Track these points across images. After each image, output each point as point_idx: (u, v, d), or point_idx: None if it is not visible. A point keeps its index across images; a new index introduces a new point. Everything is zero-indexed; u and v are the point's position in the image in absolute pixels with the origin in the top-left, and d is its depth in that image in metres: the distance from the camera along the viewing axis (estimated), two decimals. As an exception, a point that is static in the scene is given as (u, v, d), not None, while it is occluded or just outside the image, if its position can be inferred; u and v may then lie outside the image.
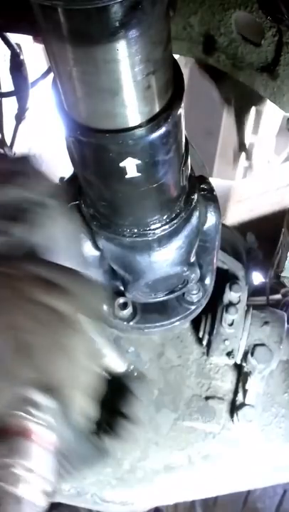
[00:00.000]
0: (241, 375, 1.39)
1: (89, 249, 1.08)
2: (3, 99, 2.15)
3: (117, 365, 0.71)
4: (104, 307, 0.71)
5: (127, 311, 1.18)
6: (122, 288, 1.15)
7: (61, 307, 0.62)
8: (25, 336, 0.60)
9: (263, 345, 1.30)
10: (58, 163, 1.17)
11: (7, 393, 0.58)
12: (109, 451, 0.69)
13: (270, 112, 4.23)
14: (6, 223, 0.68)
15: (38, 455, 0.56)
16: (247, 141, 4.54)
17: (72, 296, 0.64)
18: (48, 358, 0.60)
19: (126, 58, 0.64)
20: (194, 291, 1.20)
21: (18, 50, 1.85)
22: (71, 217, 0.78)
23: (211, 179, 1.14)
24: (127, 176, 0.81)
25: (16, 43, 1.86)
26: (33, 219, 0.70)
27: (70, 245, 0.80)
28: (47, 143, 2.49)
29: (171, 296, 1.16)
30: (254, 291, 2.19)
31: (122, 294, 1.16)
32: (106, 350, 0.70)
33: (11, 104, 2.08)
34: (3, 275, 0.63)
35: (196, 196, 1.00)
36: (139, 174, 0.81)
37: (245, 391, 1.35)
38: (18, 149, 2.24)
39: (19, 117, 2.07)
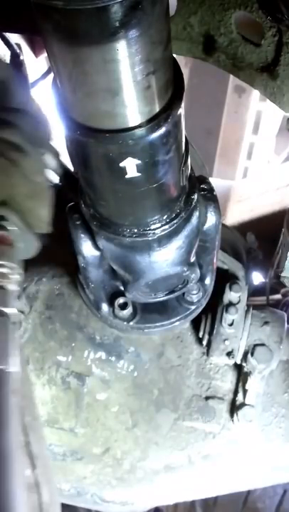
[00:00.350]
0: (241, 375, 1.39)
1: (89, 249, 1.08)
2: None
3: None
4: (49, 144, 0.82)
5: (127, 311, 1.18)
6: (122, 288, 1.15)
7: (12, 138, 0.77)
8: None
9: (263, 345, 1.31)
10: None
11: None
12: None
13: (270, 112, 4.23)
14: None
15: (12, 256, 0.74)
16: (247, 141, 4.55)
17: (21, 130, 0.78)
18: (5, 178, 0.75)
19: (126, 58, 0.64)
20: (194, 291, 1.20)
21: (18, 50, 1.86)
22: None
23: (211, 179, 1.14)
24: (127, 176, 0.81)
25: (16, 43, 1.86)
26: None
27: (18, 90, 0.93)
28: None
29: (171, 296, 1.16)
30: (254, 291, 2.20)
31: (122, 294, 1.16)
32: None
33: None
34: None
35: (196, 196, 1.00)
36: (139, 174, 0.81)
37: (245, 391, 1.35)
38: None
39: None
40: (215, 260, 1.22)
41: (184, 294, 1.20)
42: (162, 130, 0.76)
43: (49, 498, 0.75)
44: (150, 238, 0.95)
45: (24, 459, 0.75)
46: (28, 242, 0.85)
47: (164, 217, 0.94)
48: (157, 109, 0.75)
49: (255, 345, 1.30)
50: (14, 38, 1.86)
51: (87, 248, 1.08)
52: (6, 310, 0.70)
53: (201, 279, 1.19)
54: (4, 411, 0.60)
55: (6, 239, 0.77)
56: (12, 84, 0.89)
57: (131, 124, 0.74)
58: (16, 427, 0.64)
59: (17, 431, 0.66)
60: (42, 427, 0.95)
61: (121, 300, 1.17)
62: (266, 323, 1.34)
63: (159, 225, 0.94)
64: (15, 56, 1.86)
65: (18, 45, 1.87)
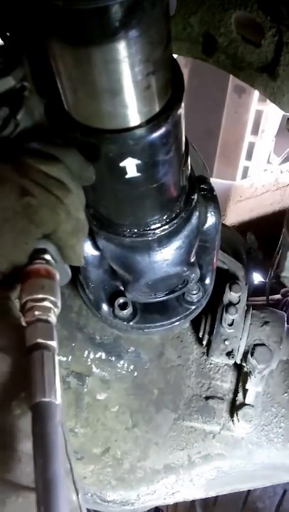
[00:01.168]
0: (241, 375, 1.39)
1: (89, 249, 1.08)
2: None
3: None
4: (87, 171, 0.84)
5: (127, 311, 1.18)
6: (122, 288, 1.15)
7: (55, 173, 0.79)
8: (30, 198, 0.76)
9: (263, 345, 1.31)
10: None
11: (25, 246, 0.77)
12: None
13: (270, 112, 4.23)
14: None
15: (55, 290, 0.77)
16: (247, 141, 4.55)
17: (62, 163, 0.81)
18: (52, 214, 0.78)
19: (126, 58, 0.64)
20: (194, 291, 1.20)
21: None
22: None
23: (211, 179, 1.14)
24: (127, 176, 0.81)
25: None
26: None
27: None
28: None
29: (171, 296, 1.16)
30: (254, 291, 2.19)
31: (122, 294, 1.16)
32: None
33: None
34: (6, 153, 0.80)
35: (196, 196, 1.00)
36: (139, 174, 0.81)
37: (245, 391, 1.35)
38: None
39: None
40: (215, 260, 1.22)
41: (183, 294, 1.20)
42: (162, 130, 0.76)
43: None
44: (150, 238, 0.95)
45: (70, 484, 0.81)
46: (63, 273, 0.87)
47: (164, 217, 0.94)
48: (157, 109, 0.75)
49: (255, 345, 1.30)
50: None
51: (87, 248, 1.08)
52: (50, 343, 0.72)
53: (201, 279, 1.19)
54: (55, 441, 0.64)
55: (50, 273, 0.78)
56: None
57: (131, 124, 0.74)
58: (64, 455, 0.67)
59: (64, 459, 0.69)
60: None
61: (121, 300, 1.17)
62: (266, 323, 1.34)
63: (159, 225, 0.94)
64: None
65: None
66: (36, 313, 0.73)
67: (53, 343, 0.72)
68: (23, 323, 0.74)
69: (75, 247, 0.84)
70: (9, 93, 0.86)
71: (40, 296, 0.74)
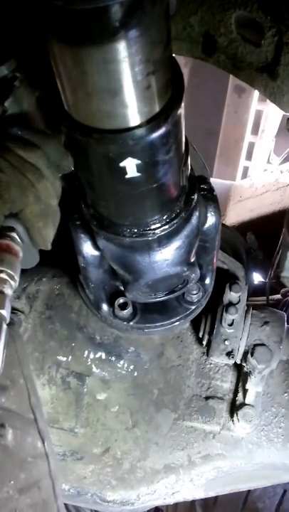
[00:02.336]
0: (241, 375, 1.39)
1: (89, 249, 1.08)
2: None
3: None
4: (65, 161, 0.89)
5: (127, 311, 1.18)
6: (122, 288, 1.15)
7: (31, 158, 0.84)
8: (1, 175, 0.81)
9: (262, 345, 1.30)
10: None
11: None
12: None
13: (270, 111, 4.23)
14: None
15: (15, 265, 0.82)
16: (247, 141, 4.55)
17: (41, 150, 0.86)
18: (21, 195, 0.83)
19: (126, 58, 0.64)
20: (194, 291, 1.20)
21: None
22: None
23: (211, 179, 1.13)
24: (127, 176, 0.81)
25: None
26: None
27: (37, 113, 1.02)
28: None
29: (171, 296, 1.16)
30: (254, 291, 2.20)
31: (122, 294, 1.16)
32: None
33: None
34: None
35: (196, 196, 1.00)
36: (139, 174, 0.81)
37: (245, 391, 1.35)
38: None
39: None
40: (215, 260, 1.22)
41: (183, 294, 1.20)
42: (162, 130, 0.76)
43: (55, 467, 0.90)
44: (150, 238, 0.95)
45: (35, 433, 0.90)
46: (29, 255, 0.92)
47: (164, 217, 0.94)
48: (157, 109, 0.75)
49: (255, 345, 1.30)
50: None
51: (87, 248, 1.08)
52: (1, 311, 0.79)
53: (201, 279, 1.19)
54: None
55: (13, 248, 0.84)
56: None
57: (131, 124, 0.74)
58: (27, 407, 0.76)
59: (27, 410, 0.76)
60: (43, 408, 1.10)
61: (121, 300, 1.17)
62: (266, 323, 1.34)
63: (159, 225, 0.94)
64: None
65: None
66: None
67: (3, 312, 0.79)
68: None
69: (42, 230, 0.88)
70: (0, 81, 0.91)
71: None
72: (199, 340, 1.41)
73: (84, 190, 0.95)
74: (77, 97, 0.72)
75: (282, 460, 1.40)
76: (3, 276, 0.80)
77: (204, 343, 1.37)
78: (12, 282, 0.82)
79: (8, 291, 0.81)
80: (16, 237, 0.86)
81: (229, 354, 1.31)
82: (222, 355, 1.32)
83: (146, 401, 1.38)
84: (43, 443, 0.91)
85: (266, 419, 1.39)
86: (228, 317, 1.29)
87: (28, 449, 0.91)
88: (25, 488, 0.86)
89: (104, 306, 1.20)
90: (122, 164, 0.79)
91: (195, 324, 1.42)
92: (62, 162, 0.88)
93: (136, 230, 0.94)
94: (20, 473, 0.87)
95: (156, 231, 0.94)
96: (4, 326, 0.78)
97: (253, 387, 1.33)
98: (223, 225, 1.95)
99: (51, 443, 0.99)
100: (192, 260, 1.08)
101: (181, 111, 0.80)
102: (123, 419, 1.36)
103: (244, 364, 1.33)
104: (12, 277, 0.82)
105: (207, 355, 1.37)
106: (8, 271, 0.81)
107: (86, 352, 1.35)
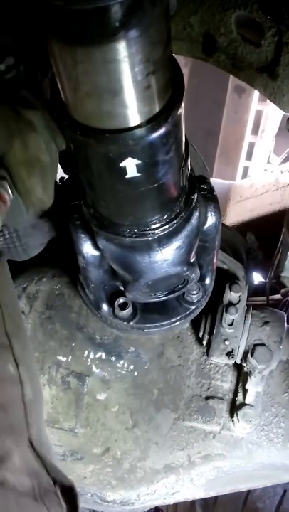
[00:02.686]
0: (241, 375, 1.39)
1: (89, 249, 1.08)
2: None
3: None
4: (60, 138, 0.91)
5: (127, 311, 1.18)
6: (122, 288, 1.15)
7: (28, 115, 0.87)
8: None
9: (263, 345, 1.31)
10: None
11: None
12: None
13: (270, 111, 4.23)
14: None
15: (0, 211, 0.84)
16: (247, 141, 4.55)
17: (39, 112, 0.89)
18: (6, 133, 0.85)
19: (126, 58, 0.64)
20: (194, 291, 1.20)
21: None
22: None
23: (211, 179, 1.13)
24: (127, 176, 0.81)
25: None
26: None
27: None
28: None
29: (171, 296, 1.16)
30: (254, 291, 2.20)
31: (122, 294, 1.16)
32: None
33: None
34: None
35: (196, 196, 1.00)
36: (139, 174, 0.81)
37: (245, 391, 1.35)
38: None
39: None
40: (215, 260, 1.22)
41: (183, 294, 1.20)
42: (162, 130, 0.76)
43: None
44: (150, 238, 0.95)
45: (7, 356, 0.89)
46: (17, 211, 0.95)
47: (164, 218, 0.94)
48: (157, 109, 0.75)
49: (255, 345, 1.30)
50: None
51: (87, 248, 1.08)
52: None
53: (201, 279, 1.19)
54: None
55: (2, 196, 0.87)
56: None
57: (131, 124, 0.74)
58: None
59: (1, 336, 0.78)
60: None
61: (121, 300, 1.17)
62: (266, 323, 1.34)
63: (159, 225, 0.94)
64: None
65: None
66: None
67: None
68: None
69: (25, 179, 0.89)
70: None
71: None
72: (199, 340, 1.41)
73: (84, 190, 0.95)
74: (77, 97, 0.72)
75: (282, 460, 1.40)
76: None
77: (204, 343, 1.37)
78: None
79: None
80: (7, 186, 0.88)
81: (229, 354, 1.31)
82: (222, 355, 1.32)
83: (146, 401, 1.38)
84: (17, 368, 0.89)
85: (266, 419, 1.39)
86: (228, 317, 1.29)
87: None
88: None
89: (105, 306, 1.20)
90: (122, 164, 0.79)
91: (195, 324, 1.42)
92: (57, 136, 0.89)
93: (136, 230, 0.94)
94: None
95: (157, 231, 0.94)
96: None
97: (253, 387, 1.33)
98: (223, 225, 1.96)
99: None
100: (192, 260, 1.08)
101: (181, 111, 0.80)
102: (123, 419, 1.36)
103: (244, 364, 1.33)
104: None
105: (207, 355, 1.37)
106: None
107: (86, 352, 1.35)
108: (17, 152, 0.87)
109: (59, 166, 1.04)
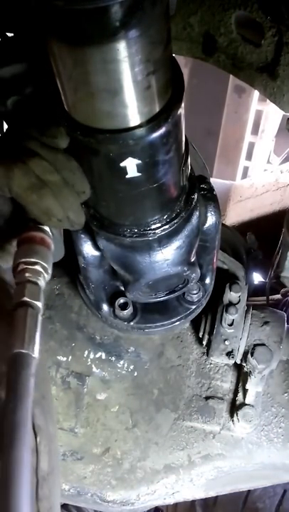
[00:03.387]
0: (241, 375, 1.39)
1: (89, 249, 1.08)
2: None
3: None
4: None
5: (128, 311, 1.18)
6: (122, 288, 1.15)
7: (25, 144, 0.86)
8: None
9: (263, 345, 1.31)
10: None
11: None
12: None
13: (270, 111, 4.24)
14: None
15: (48, 257, 0.85)
16: (247, 141, 4.55)
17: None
18: (7, 174, 0.85)
19: (126, 58, 0.64)
20: (194, 291, 1.20)
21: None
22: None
23: (211, 179, 1.13)
24: (127, 176, 0.81)
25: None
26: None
27: None
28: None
29: (172, 296, 1.16)
30: (254, 291, 2.20)
31: (122, 294, 1.16)
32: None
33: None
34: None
35: (196, 196, 1.00)
36: (140, 174, 0.81)
37: (245, 391, 1.35)
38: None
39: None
40: (215, 260, 1.22)
41: (184, 293, 1.20)
42: (162, 130, 0.76)
43: (48, 467, 0.87)
44: (150, 238, 0.95)
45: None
46: (58, 248, 0.94)
47: (165, 217, 0.94)
48: (157, 109, 0.75)
49: (255, 345, 1.30)
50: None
51: (87, 248, 1.08)
52: (36, 303, 0.79)
53: (202, 279, 1.19)
54: (27, 388, 0.70)
55: (46, 241, 0.87)
56: None
57: (131, 124, 0.74)
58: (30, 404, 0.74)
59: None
60: (53, 407, 1.07)
61: (121, 300, 1.17)
62: (266, 323, 1.34)
63: (159, 224, 0.94)
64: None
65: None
66: (27, 274, 0.80)
67: (39, 304, 0.78)
68: (14, 285, 0.81)
69: (38, 203, 0.87)
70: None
71: (33, 260, 0.82)
72: (199, 340, 1.41)
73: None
74: (77, 97, 0.72)
75: (282, 460, 1.40)
76: (38, 268, 0.82)
77: (204, 343, 1.37)
78: (46, 275, 0.83)
79: (42, 283, 0.82)
80: (48, 230, 0.89)
81: (229, 354, 1.31)
82: (222, 355, 1.32)
83: (146, 401, 1.38)
84: (35, 438, 0.88)
85: (266, 419, 1.39)
86: (228, 317, 1.29)
87: None
88: None
89: (105, 307, 1.20)
90: (122, 164, 0.79)
91: (195, 324, 1.42)
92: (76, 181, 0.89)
93: (136, 230, 0.94)
94: None
95: (157, 231, 0.94)
96: (40, 318, 0.78)
97: (253, 387, 1.33)
98: (223, 225, 1.95)
99: (57, 446, 0.96)
100: (192, 260, 1.08)
101: (181, 111, 0.80)
102: (123, 419, 1.36)
103: (244, 364, 1.33)
104: (46, 270, 0.83)
105: (207, 355, 1.37)
106: (43, 263, 0.83)
107: (86, 352, 1.35)
108: (19, 180, 0.86)
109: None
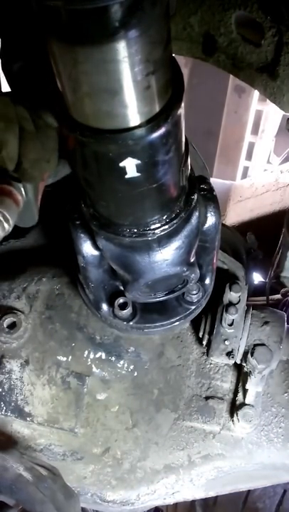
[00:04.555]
0: (241, 375, 1.39)
1: (89, 249, 1.08)
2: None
3: None
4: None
5: (127, 311, 1.18)
6: (121, 288, 1.15)
7: None
8: None
9: (263, 345, 1.31)
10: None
11: None
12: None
13: (270, 111, 4.24)
14: None
15: (13, 211, 0.86)
16: (247, 141, 4.55)
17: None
18: None
19: (126, 58, 0.64)
20: (194, 291, 1.20)
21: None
22: None
23: (211, 179, 1.13)
24: (126, 176, 0.81)
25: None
26: None
27: None
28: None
29: (171, 296, 1.16)
30: (254, 291, 2.20)
31: (122, 294, 1.16)
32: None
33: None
34: None
35: (195, 196, 1.00)
36: (139, 174, 0.81)
37: (245, 391, 1.35)
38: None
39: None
40: (215, 260, 1.22)
41: (183, 294, 1.20)
42: (162, 130, 0.76)
43: None
44: (150, 238, 0.95)
45: None
46: (28, 213, 0.99)
47: (164, 217, 0.94)
48: (157, 109, 0.75)
49: (255, 345, 1.30)
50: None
51: (87, 248, 1.08)
52: None
53: (201, 279, 1.19)
54: None
55: (15, 197, 0.90)
56: None
57: (131, 124, 0.74)
58: None
59: None
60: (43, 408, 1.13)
61: (121, 300, 1.17)
62: (266, 323, 1.34)
63: (158, 225, 0.94)
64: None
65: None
66: None
67: None
68: None
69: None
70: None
71: None
72: (199, 340, 1.41)
73: (84, 190, 0.95)
74: (77, 97, 0.72)
75: (282, 460, 1.41)
76: None
77: (204, 343, 1.37)
78: (6, 225, 0.85)
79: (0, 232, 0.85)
80: (21, 189, 0.91)
81: (229, 354, 1.31)
82: (222, 355, 1.32)
83: (146, 401, 1.38)
84: None
85: (266, 419, 1.39)
86: (228, 317, 1.29)
87: None
88: None
89: (104, 306, 1.20)
90: (121, 164, 0.79)
91: (195, 324, 1.42)
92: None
93: (136, 230, 0.94)
94: None
95: (156, 231, 0.94)
96: None
97: (253, 387, 1.33)
98: (223, 225, 1.95)
99: None
100: (192, 260, 1.08)
101: (181, 111, 0.80)
102: (123, 419, 1.36)
103: (244, 364, 1.33)
104: (7, 220, 0.85)
105: (207, 355, 1.37)
106: (5, 213, 0.85)
107: (86, 352, 1.35)
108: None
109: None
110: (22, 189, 0.92)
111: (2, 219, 0.84)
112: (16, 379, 1.30)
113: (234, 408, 1.36)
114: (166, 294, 1.16)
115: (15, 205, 0.88)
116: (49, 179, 1.06)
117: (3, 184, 0.89)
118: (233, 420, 1.37)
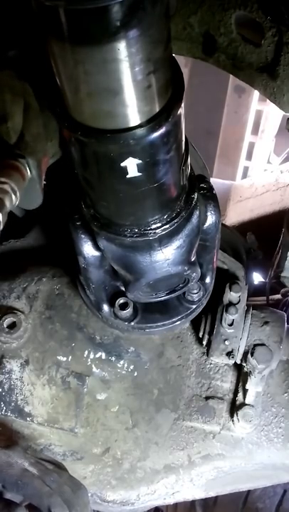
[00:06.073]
0: (241, 375, 1.39)
1: (89, 249, 1.08)
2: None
3: None
4: None
5: (128, 311, 1.18)
6: (122, 288, 1.15)
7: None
8: None
9: (263, 345, 1.31)
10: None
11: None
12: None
13: (270, 111, 4.24)
14: None
15: (21, 185, 0.89)
16: (247, 141, 4.55)
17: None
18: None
19: (126, 58, 0.64)
20: (195, 291, 1.20)
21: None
22: None
23: (211, 179, 1.14)
24: (128, 176, 0.81)
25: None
26: None
27: None
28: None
29: (172, 295, 1.16)
30: (254, 291, 2.20)
31: (122, 294, 1.16)
32: None
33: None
34: None
35: (196, 195, 1.00)
36: (140, 174, 0.81)
37: (245, 391, 1.35)
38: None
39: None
40: (215, 259, 1.22)
41: (184, 293, 1.20)
42: (162, 130, 0.76)
43: None
44: (151, 238, 0.95)
45: None
46: (33, 193, 1.01)
47: (165, 217, 0.94)
48: (157, 108, 0.75)
49: (255, 345, 1.30)
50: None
51: (87, 249, 1.08)
52: None
53: (202, 278, 1.19)
54: None
55: (21, 171, 0.93)
56: None
57: (131, 124, 0.74)
58: None
59: None
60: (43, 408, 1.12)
61: (122, 300, 1.17)
62: (266, 323, 1.34)
63: (159, 224, 0.94)
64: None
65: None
66: None
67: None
68: None
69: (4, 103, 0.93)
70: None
71: (3, 179, 0.88)
72: (199, 340, 1.41)
73: (84, 190, 0.95)
74: (78, 97, 0.72)
75: (282, 460, 1.41)
76: (6, 188, 0.86)
77: (204, 343, 1.37)
78: (13, 197, 0.88)
79: (7, 203, 0.86)
80: (27, 166, 0.94)
81: (229, 354, 1.31)
82: (222, 355, 1.32)
83: (146, 401, 1.38)
84: None
85: (266, 419, 1.39)
86: (228, 317, 1.29)
87: None
88: None
89: (105, 307, 1.20)
90: (122, 164, 0.79)
91: (195, 324, 1.42)
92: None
93: (137, 230, 0.94)
94: None
95: (157, 231, 0.94)
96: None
97: (253, 387, 1.33)
98: (223, 225, 1.96)
99: None
100: (193, 259, 1.08)
101: (181, 110, 0.80)
102: (123, 419, 1.36)
103: (244, 364, 1.33)
104: (15, 192, 0.88)
105: (207, 355, 1.37)
106: (13, 185, 0.87)
107: (86, 352, 1.35)
108: (7, 80, 0.92)
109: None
110: (27, 166, 0.95)
111: (11, 191, 0.87)
112: (16, 379, 1.30)
113: (234, 408, 1.36)
114: (167, 294, 1.16)
115: (22, 180, 0.92)
116: (50, 160, 1.09)
117: (13, 160, 0.92)
118: (233, 420, 1.37)
